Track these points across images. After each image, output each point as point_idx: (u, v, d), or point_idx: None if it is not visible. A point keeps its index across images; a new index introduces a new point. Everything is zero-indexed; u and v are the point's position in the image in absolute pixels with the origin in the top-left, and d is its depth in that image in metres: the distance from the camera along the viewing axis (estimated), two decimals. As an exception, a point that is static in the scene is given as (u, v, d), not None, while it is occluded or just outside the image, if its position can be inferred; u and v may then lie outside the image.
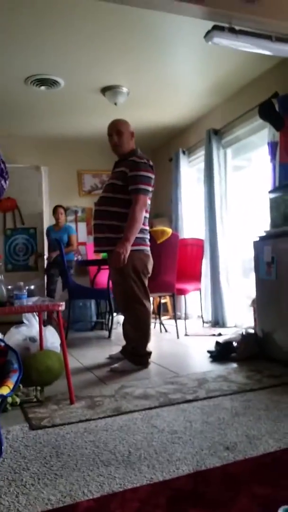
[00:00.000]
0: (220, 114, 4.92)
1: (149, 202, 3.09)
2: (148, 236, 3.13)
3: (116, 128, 3.13)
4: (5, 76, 4.04)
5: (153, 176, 3.04)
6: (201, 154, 5.31)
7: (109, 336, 4.42)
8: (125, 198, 2.99)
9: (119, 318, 4.83)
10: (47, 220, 6.01)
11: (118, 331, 4.63)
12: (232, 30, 2.82)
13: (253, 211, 4.64)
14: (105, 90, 4.42)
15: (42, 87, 4.28)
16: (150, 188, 3.02)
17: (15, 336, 3.08)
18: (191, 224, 5.59)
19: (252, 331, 3.35)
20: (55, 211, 5.57)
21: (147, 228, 3.13)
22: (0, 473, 1.52)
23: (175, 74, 4.16)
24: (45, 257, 5.66)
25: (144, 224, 3.04)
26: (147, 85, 4.36)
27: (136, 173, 2.96)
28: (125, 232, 2.91)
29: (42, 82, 4.17)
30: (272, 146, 3.92)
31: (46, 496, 1.35)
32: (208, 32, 2.86)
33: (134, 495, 1.32)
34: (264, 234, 3.22)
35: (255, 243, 3.26)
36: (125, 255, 2.88)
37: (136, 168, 2.97)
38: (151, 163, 3.05)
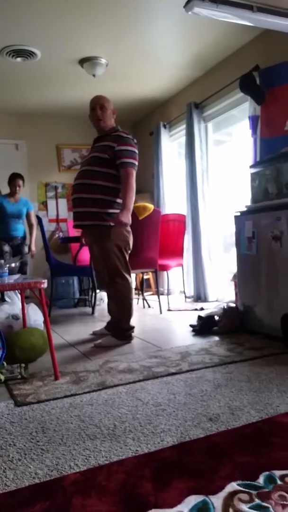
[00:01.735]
0: (200, 87, 4.85)
1: None
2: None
3: (100, 103, 3.08)
4: (-22, 46, 3.88)
5: (137, 152, 3.05)
6: (182, 128, 5.25)
7: (93, 313, 4.44)
8: (110, 172, 2.97)
9: (102, 295, 4.85)
10: (28, 197, 5.91)
11: (101, 307, 4.66)
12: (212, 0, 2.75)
13: (234, 186, 4.64)
14: (83, 61, 4.30)
15: (18, 59, 4.13)
16: (137, 163, 3.03)
17: (-3, 315, 3.06)
18: (172, 199, 5.57)
19: (233, 305, 3.40)
20: (13, 181, 4.91)
21: None
22: (-14, 450, 1.54)
23: (155, 45, 4.06)
24: None
25: None
26: (126, 56, 4.25)
27: (125, 147, 2.96)
28: (125, 202, 2.94)
29: (18, 53, 4.02)
30: (253, 120, 3.90)
31: (33, 470, 1.37)
32: (188, 1, 2.80)
33: (120, 467, 1.35)
34: (245, 209, 3.23)
35: (236, 218, 3.28)
36: (128, 222, 2.96)
37: (124, 143, 2.97)
38: (135, 140, 3.06)
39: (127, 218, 2.96)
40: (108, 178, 2.97)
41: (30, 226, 5.02)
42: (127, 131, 3.13)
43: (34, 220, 5.00)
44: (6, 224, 4.87)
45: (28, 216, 5.00)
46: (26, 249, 4.99)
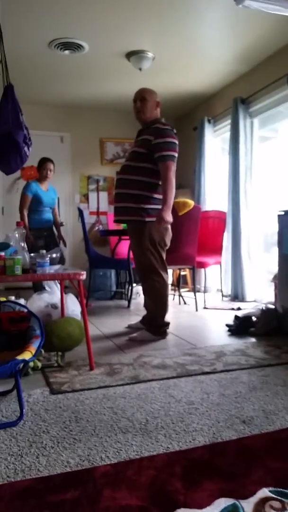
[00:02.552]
0: (247, 82, 4.75)
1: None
2: None
3: (141, 95, 3.07)
4: (28, 39, 3.95)
5: (177, 142, 2.99)
6: (226, 123, 5.16)
7: (128, 306, 4.47)
8: (148, 167, 2.95)
9: (139, 289, 4.87)
10: (70, 189, 6.01)
11: (137, 301, 4.68)
12: (265, -9, 2.67)
13: (278, 184, 4.52)
14: (130, 55, 4.30)
15: (66, 51, 4.18)
16: (176, 154, 2.98)
17: (37, 303, 3.14)
18: (213, 196, 5.50)
19: (272, 306, 3.32)
20: (44, 165, 4.47)
21: None
22: (21, 434, 1.58)
23: (203, 39, 4.00)
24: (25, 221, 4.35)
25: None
26: (173, 50, 4.21)
27: (162, 139, 2.92)
28: (165, 198, 2.92)
29: (66, 46, 4.07)
30: (302, 116, 3.77)
31: (65, 459, 1.40)
32: (239, -6, 2.73)
33: (151, 463, 1.35)
34: (289, 208, 3.14)
35: (280, 217, 3.19)
36: (169, 221, 2.93)
37: (161, 135, 2.92)
38: (175, 130, 3.00)
39: (168, 215, 2.93)
40: (145, 173, 2.95)
41: (55, 215, 4.71)
42: (170, 123, 3.08)
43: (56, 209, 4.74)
44: (40, 214, 4.50)
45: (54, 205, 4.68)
46: (58, 240, 4.69)
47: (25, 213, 4.38)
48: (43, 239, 4.45)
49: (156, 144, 2.91)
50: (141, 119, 3.10)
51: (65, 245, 4.79)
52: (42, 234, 4.49)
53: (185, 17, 3.58)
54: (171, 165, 2.92)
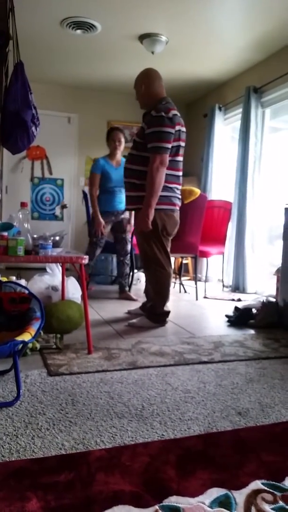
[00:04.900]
0: (261, 71, 4.66)
1: (179, 158, 2.98)
2: (173, 194, 2.98)
3: (135, 83, 3.07)
4: (40, 17, 3.87)
5: (172, 131, 2.79)
6: (238, 112, 5.08)
7: (129, 292, 4.46)
8: (144, 156, 2.87)
9: (139, 275, 4.86)
10: (75, 172, 5.96)
11: (137, 287, 4.68)
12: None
13: (287, 177, 4.48)
14: (143, 37, 4.21)
15: (78, 31, 4.10)
16: (168, 145, 2.79)
17: (38, 284, 3.14)
18: (220, 185, 5.45)
19: (273, 299, 3.32)
20: (111, 135, 3.97)
21: (173, 186, 2.97)
22: (17, 415, 1.59)
23: (218, 25, 3.91)
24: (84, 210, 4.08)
25: (169, 182, 2.92)
26: (187, 35, 4.13)
27: (151, 129, 2.79)
28: (145, 196, 2.83)
29: (79, 25, 3.99)
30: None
31: (60, 441, 1.40)
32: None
33: (145, 449, 1.36)
34: (296, 202, 3.12)
35: (287, 210, 3.16)
36: (148, 221, 2.83)
37: (151, 125, 2.80)
38: (170, 114, 2.78)
39: (146, 215, 2.79)
40: (142, 162, 2.88)
41: None
42: (170, 104, 2.87)
43: None
44: (110, 195, 4.00)
45: None
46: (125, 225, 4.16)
47: (95, 194, 3.96)
48: (110, 224, 4.08)
49: (147, 135, 2.81)
50: (141, 105, 3.08)
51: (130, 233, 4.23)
52: (110, 219, 4.03)
53: (201, 1, 3.49)
54: (157, 158, 2.77)
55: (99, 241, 4.03)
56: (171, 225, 3.01)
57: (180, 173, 3.03)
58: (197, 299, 4.19)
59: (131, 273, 4.53)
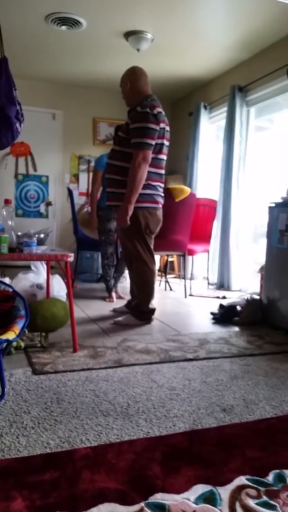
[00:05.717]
0: (246, 70, 4.69)
1: (163, 156, 2.98)
2: (156, 192, 2.97)
3: (121, 81, 3.08)
4: (24, 12, 3.82)
5: (157, 127, 2.79)
6: (223, 110, 5.11)
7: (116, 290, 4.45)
8: (129, 152, 2.86)
9: (125, 273, 4.86)
10: (60, 168, 5.92)
11: (123, 285, 4.67)
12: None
13: (271, 176, 4.52)
14: (128, 34, 4.20)
15: (63, 27, 4.07)
16: (152, 141, 2.78)
17: (22, 282, 3.12)
18: (205, 183, 5.47)
19: (257, 297, 3.35)
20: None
21: (156, 184, 2.96)
22: (2, 414, 1.57)
23: (204, 23, 3.92)
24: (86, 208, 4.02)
25: (152, 180, 2.92)
26: (172, 32, 4.13)
27: (135, 125, 2.79)
28: (126, 192, 2.82)
29: (64, 21, 3.95)
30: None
31: (45, 440, 1.40)
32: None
33: (130, 447, 1.36)
34: (280, 200, 3.15)
35: (271, 209, 3.20)
36: (127, 216, 2.82)
37: (135, 120, 2.79)
38: (155, 111, 2.77)
39: (125, 212, 2.78)
40: (124, 158, 2.87)
41: None
42: (154, 101, 2.87)
43: None
44: None
45: None
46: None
47: (96, 192, 3.93)
48: (115, 219, 3.79)
49: (131, 130, 2.81)
50: (127, 104, 3.08)
51: None
52: (113, 215, 3.84)
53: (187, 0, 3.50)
54: (141, 154, 2.75)
55: (108, 238, 3.94)
56: (154, 223, 3.00)
57: (163, 172, 3.03)
58: (186, 296, 4.20)
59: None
